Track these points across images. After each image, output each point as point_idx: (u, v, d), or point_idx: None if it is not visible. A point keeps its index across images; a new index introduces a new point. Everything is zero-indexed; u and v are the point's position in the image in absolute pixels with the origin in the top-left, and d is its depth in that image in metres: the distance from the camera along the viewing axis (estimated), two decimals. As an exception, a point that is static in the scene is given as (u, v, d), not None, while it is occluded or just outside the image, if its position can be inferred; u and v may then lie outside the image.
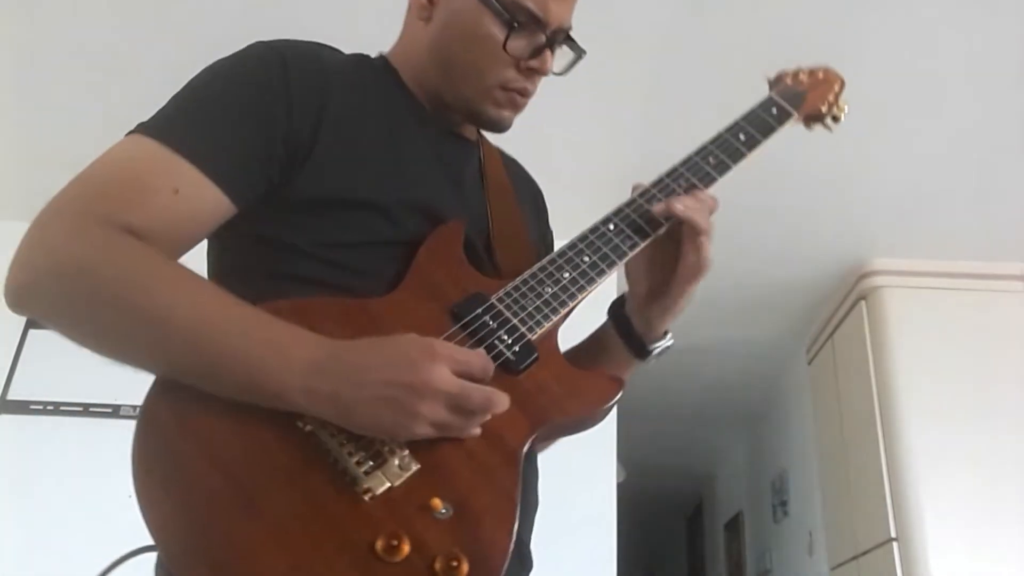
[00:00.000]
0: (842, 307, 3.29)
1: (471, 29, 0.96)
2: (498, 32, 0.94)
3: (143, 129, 0.85)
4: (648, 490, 5.85)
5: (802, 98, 1.14)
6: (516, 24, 0.94)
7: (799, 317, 3.58)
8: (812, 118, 1.15)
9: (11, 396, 2.76)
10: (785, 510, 4.21)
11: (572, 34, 1.01)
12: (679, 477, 6.01)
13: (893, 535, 2.73)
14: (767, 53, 2.21)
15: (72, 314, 0.78)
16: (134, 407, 2.55)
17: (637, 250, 0.94)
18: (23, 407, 2.75)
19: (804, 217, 2.84)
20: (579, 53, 1.02)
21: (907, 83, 2.28)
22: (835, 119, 1.15)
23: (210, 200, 0.83)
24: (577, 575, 2.59)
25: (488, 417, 0.77)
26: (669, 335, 1.04)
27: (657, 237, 0.95)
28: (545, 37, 0.96)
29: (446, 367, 0.74)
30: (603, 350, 1.04)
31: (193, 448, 0.74)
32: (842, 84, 1.19)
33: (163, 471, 0.73)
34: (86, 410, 2.72)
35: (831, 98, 1.16)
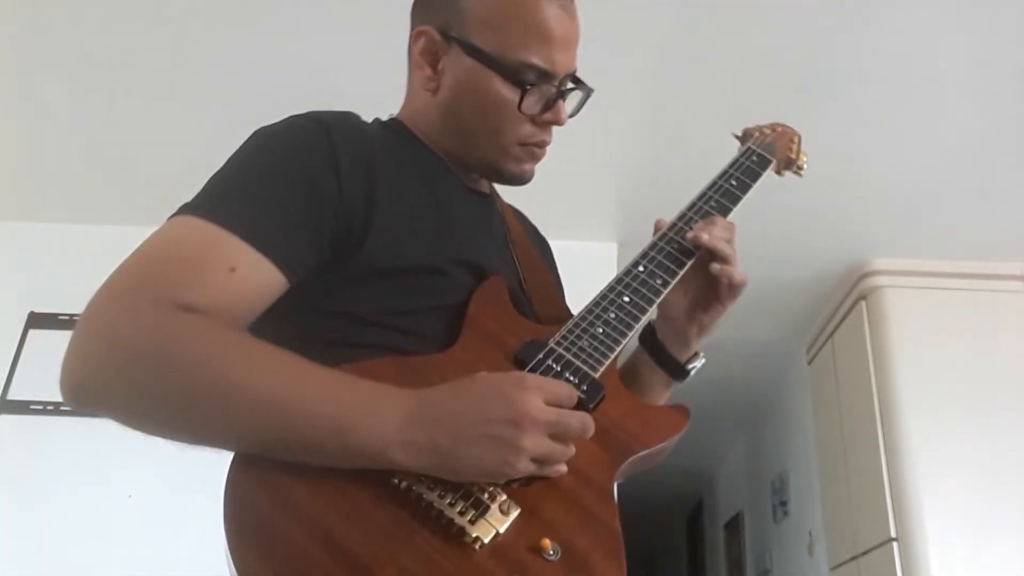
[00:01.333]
0: (842, 307, 3.29)
1: (483, 95, 0.96)
2: (510, 94, 0.95)
3: (189, 209, 0.82)
4: (648, 490, 5.84)
5: (772, 147, 1.23)
6: (529, 86, 0.95)
7: (799, 317, 3.58)
8: (784, 164, 1.24)
9: (11, 396, 2.76)
10: (785, 510, 4.21)
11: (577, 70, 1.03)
12: (679, 477, 6.00)
13: (893, 535, 2.73)
14: (768, 55, 2.22)
15: (143, 403, 0.73)
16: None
17: (671, 286, 0.99)
18: (23, 407, 2.74)
19: (804, 217, 2.84)
20: (587, 92, 1.03)
21: (907, 83, 2.28)
22: (799, 168, 1.26)
23: (265, 277, 0.81)
24: (577, 575, 2.59)
25: (586, 437, 0.77)
26: (701, 354, 1.08)
27: (686, 272, 1.01)
28: (555, 89, 0.97)
29: (540, 397, 0.74)
30: (639, 379, 1.07)
31: (288, 516, 0.71)
32: (799, 138, 1.29)
33: (265, 549, 0.69)
34: (86, 410, 2.72)
35: (794, 147, 1.26)
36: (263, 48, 2.22)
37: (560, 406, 0.76)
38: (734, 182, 1.13)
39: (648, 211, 2.85)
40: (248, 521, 0.71)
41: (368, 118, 1.02)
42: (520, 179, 1.03)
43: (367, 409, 0.73)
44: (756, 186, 1.14)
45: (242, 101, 2.34)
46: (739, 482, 5.27)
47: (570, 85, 1.01)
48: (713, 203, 1.09)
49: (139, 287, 0.76)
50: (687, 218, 1.07)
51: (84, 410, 0.73)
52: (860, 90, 2.31)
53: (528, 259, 1.09)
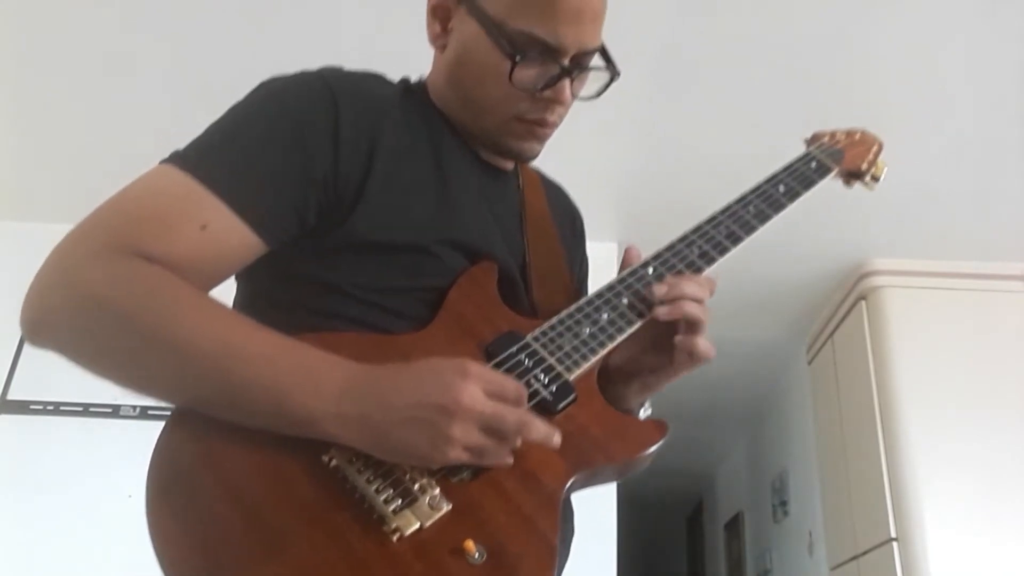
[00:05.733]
0: (842, 307, 3.29)
1: (480, 61, 0.91)
2: (503, 64, 0.89)
3: (177, 159, 0.82)
4: (648, 490, 5.84)
5: (841, 155, 1.14)
6: (519, 57, 0.88)
7: (799, 317, 3.58)
8: (852, 175, 1.15)
9: (11, 396, 2.76)
10: (785, 510, 4.21)
11: (601, 51, 0.95)
12: (679, 477, 6.00)
13: (893, 535, 2.73)
14: (768, 56, 2.22)
15: (92, 345, 0.74)
16: (134, 407, 2.56)
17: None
18: (23, 407, 2.74)
19: (804, 217, 2.82)
20: (612, 73, 0.95)
21: (908, 84, 2.28)
22: (875, 178, 1.16)
23: (238, 238, 0.80)
24: (577, 575, 2.59)
25: (526, 438, 0.73)
26: (647, 407, 1.00)
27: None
28: (560, 66, 0.90)
29: (479, 387, 0.71)
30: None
31: (213, 483, 0.70)
32: (880, 146, 1.19)
33: (180, 506, 0.69)
34: (86, 410, 2.72)
35: (870, 158, 1.17)
36: (265, 49, 2.22)
37: (503, 400, 0.72)
38: (782, 188, 1.05)
39: (648, 211, 2.89)
40: (170, 477, 0.71)
41: None
42: (521, 156, 0.98)
43: (305, 376, 0.72)
44: (808, 195, 1.06)
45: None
46: (739, 482, 5.27)
47: (592, 63, 0.93)
48: (752, 208, 1.01)
49: (107, 232, 0.76)
50: (717, 222, 0.99)
51: (38, 345, 0.75)
52: (860, 90, 2.31)
53: (541, 241, 1.02)
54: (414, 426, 0.70)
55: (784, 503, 4.22)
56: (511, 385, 0.74)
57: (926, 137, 2.47)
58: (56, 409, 2.74)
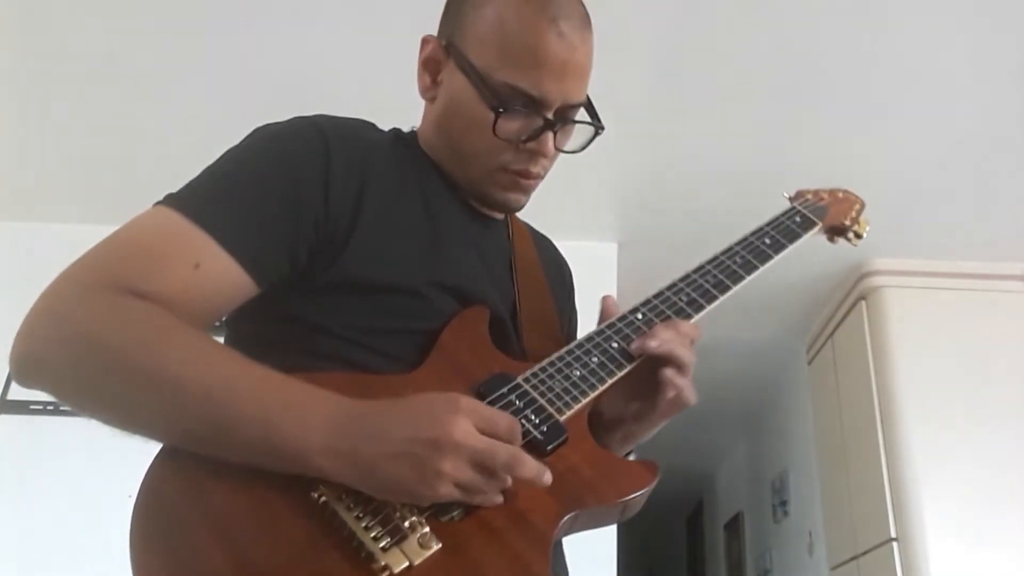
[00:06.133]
0: (842, 307, 3.29)
1: (467, 113, 0.92)
2: (487, 116, 0.90)
3: (171, 200, 0.82)
4: (648, 490, 5.84)
5: (825, 211, 1.16)
6: (503, 109, 0.89)
7: (799, 317, 3.58)
8: (835, 231, 1.18)
9: (11, 396, 2.76)
10: (785, 510, 4.21)
11: (587, 106, 0.97)
12: (679, 477, 6.00)
13: (893, 535, 2.73)
14: (768, 56, 2.22)
15: (79, 385, 0.74)
16: (134, 407, 2.56)
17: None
18: (23, 407, 2.74)
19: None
20: (596, 128, 0.96)
21: (908, 83, 2.28)
22: (857, 236, 1.19)
23: (231, 278, 0.80)
24: (577, 575, 2.59)
25: (516, 475, 0.73)
26: (631, 456, 0.99)
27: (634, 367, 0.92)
28: (543, 118, 0.91)
29: (471, 422, 0.70)
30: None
31: (198, 518, 0.70)
32: (862, 205, 1.22)
33: (163, 541, 0.69)
34: (86, 410, 2.72)
35: (853, 215, 1.19)
36: (263, 51, 2.22)
37: (496, 437, 0.71)
38: (767, 240, 1.07)
39: (648, 211, 2.89)
40: (156, 515, 0.70)
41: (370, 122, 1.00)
42: (506, 207, 0.99)
43: (295, 410, 0.71)
44: (792, 247, 1.08)
45: (241, 103, 2.34)
46: (739, 482, 5.27)
47: (577, 117, 0.95)
48: (739, 259, 1.03)
49: (100, 270, 0.76)
50: (704, 271, 1.00)
51: (27, 384, 0.74)
52: (860, 90, 2.31)
53: (531, 288, 1.03)
54: (404, 460, 0.69)
55: (784, 503, 4.22)
56: (504, 420, 0.73)
57: (926, 137, 2.47)
58: (56, 409, 2.73)
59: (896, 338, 2.94)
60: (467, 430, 0.70)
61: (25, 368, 0.74)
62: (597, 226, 2.96)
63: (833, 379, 3.39)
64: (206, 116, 2.41)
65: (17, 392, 2.77)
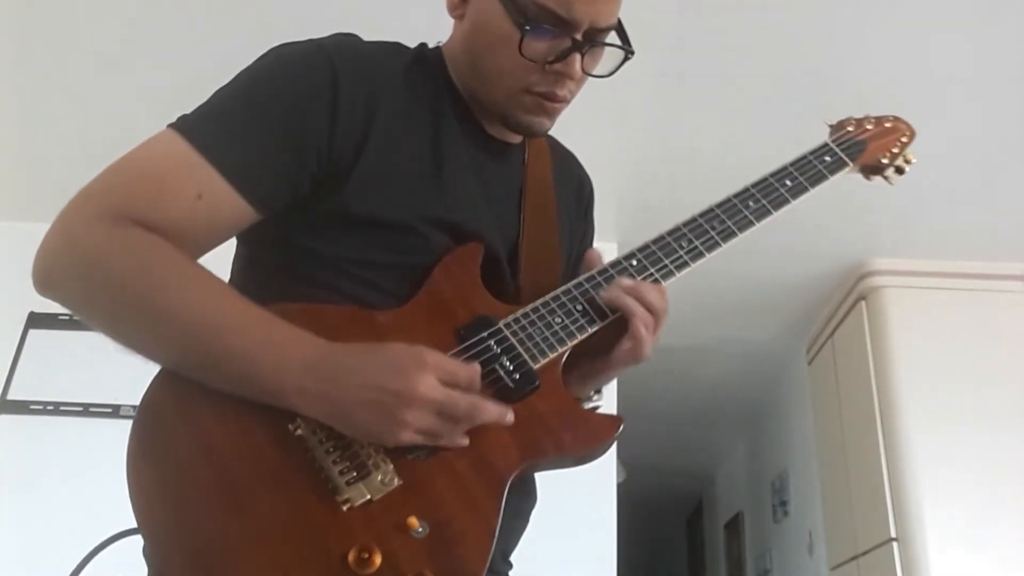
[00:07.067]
0: (842, 307, 3.29)
1: (493, 30, 0.91)
2: (514, 34, 0.88)
3: (181, 125, 0.85)
4: (648, 490, 5.85)
5: (862, 146, 1.09)
6: (528, 27, 0.87)
7: (799, 317, 3.58)
8: (871, 169, 1.09)
9: (11, 396, 2.76)
10: (785, 510, 4.21)
11: (617, 30, 0.94)
12: (679, 477, 6.00)
13: (893, 535, 2.73)
14: (768, 56, 2.22)
15: (87, 302, 0.80)
16: (134, 407, 2.54)
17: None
18: (23, 407, 2.74)
19: (804, 217, 2.82)
20: (627, 52, 0.94)
21: (908, 83, 2.28)
22: (899, 171, 1.09)
23: (231, 207, 0.83)
24: (577, 575, 2.59)
25: (477, 422, 0.78)
26: (596, 398, 1.01)
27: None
28: (571, 39, 0.89)
29: (433, 376, 0.75)
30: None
31: (190, 438, 0.77)
32: (912, 135, 1.12)
33: (157, 456, 0.76)
34: (86, 410, 2.72)
35: (895, 148, 1.10)
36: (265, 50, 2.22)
37: (457, 387, 0.76)
38: (788, 182, 1.02)
39: (648, 211, 2.89)
40: (152, 430, 0.77)
41: None
42: (529, 130, 0.97)
43: (274, 349, 0.77)
44: (816, 191, 1.01)
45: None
46: (739, 482, 5.27)
47: (608, 40, 0.92)
48: (752, 203, 0.99)
49: (108, 196, 0.81)
50: (712, 215, 0.97)
51: (48, 297, 0.81)
52: (861, 90, 2.30)
53: (538, 220, 1.01)
54: (370, 407, 0.75)
55: (784, 503, 4.22)
56: (464, 372, 0.78)
57: (926, 137, 2.46)
58: (56, 409, 2.74)
59: (896, 338, 2.94)
60: (430, 383, 0.75)
61: (41, 284, 0.80)
62: (597, 226, 2.96)
63: (833, 379, 3.39)
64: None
65: (17, 392, 2.77)
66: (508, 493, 0.79)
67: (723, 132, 2.49)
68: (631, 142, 2.54)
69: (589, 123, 2.57)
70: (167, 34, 2.22)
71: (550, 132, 1.00)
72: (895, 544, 2.71)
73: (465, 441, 0.79)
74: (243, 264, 0.95)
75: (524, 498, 0.94)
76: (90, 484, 2.52)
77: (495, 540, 0.76)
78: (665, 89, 2.34)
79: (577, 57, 0.90)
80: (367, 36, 0.97)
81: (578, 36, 0.90)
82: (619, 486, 2.89)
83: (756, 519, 4.83)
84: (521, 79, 0.92)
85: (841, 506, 3.25)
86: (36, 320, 2.80)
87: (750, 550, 4.91)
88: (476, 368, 0.80)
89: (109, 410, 2.70)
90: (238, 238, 0.93)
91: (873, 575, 2.88)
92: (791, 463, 4.17)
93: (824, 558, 3.45)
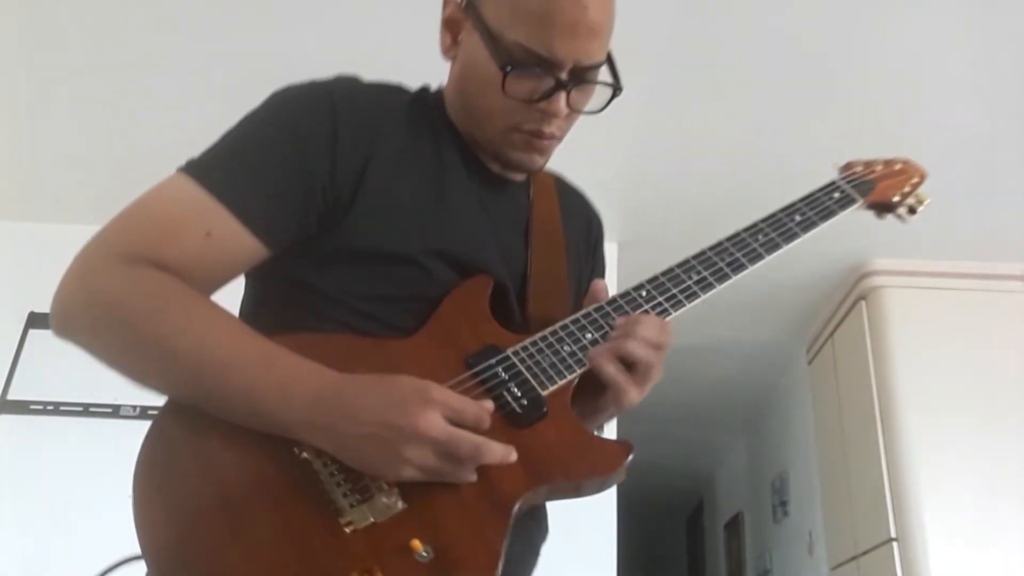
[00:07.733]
0: (842, 307, 3.29)
1: (480, 71, 0.92)
2: (497, 74, 0.90)
3: (189, 168, 0.88)
4: (648, 490, 5.84)
5: (871, 185, 1.10)
6: (510, 67, 0.89)
7: (799, 317, 3.58)
8: (882, 207, 1.10)
9: (11, 396, 2.76)
10: (785, 510, 4.21)
11: (609, 64, 0.95)
12: (679, 477, 6.00)
13: (893, 535, 2.73)
14: (769, 56, 2.22)
15: (100, 343, 0.82)
16: (134, 407, 2.56)
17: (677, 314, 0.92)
18: (23, 407, 2.75)
19: (804, 217, 2.84)
20: (614, 88, 0.95)
21: (908, 84, 2.28)
22: (911, 211, 1.09)
23: (240, 244, 0.86)
24: (577, 575, 2.59)
25: (480, 463, 0.76)
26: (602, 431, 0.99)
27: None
28: (555, 79, 0.90)
29: (438, 412, 0.75)
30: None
31: (195, 463, 0.78)
32: (923, 177, 1.12)
33: (163, 480, 0.76)
34: (86, 410, 2.72)
35: (907, 189, 1.11)
36: (268, 50, 2.22)
37: (463, 425, 0.75)
38: (798, 217, 1.02)
39: (649, 211, 2.88)
40: (160, 454, 0.78)
41: None
42: (522, 167, 0.99)
43: (278, 388, 0.77)
44: (825, 226, 1.01)
45: (244, 101, 2.34)
46: (739, 482, 5.27)
47: (596, 76, 0.93)
48: (761, 237, 0.99)
49: (121, 239, 0.84)
50: (722, 248, 0.97)
51: (64, 339, 0.83)
52: (860, 90, 2.31)
53: (545, 253, 1.02)
54: (373, 442, 0.75)
55: (784, 503, 4.22)
56: (471, 410, 0.77)
57: (926, 137, 2.47)
58: (56, 409, 2.74)
59: (896, 338, 2.94)
60: (432, 421, 0.74)
61: (57, 325, 0.83)
62: (597, 226, 2.96)
63: (833, 379, 3.39)
64: (211, 117, 2.41)
65: (17, 392, 2.77)
66: (516, 521, 0.78)
67: (723, 133, 2.49)
68: (632, 143, 2.54)
69: (589, 123, 2.57)
70: (167, 35, 2.22)
71: (558, 160, 1.01)
72: (895, 544, 2.71)
73: (473, 477, 0.77)
74: (252, 302, 0.96)
75: (535, 529, 0.94)
76: (90, 484, 2.53)
77: (500, 566, 0.75)
78: (666, 90, 2.34)
79: (562, 95, 0.91)
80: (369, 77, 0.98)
81: (562, 75, 0.91)
82: (619, 486, 2.88)
83: (756, 519, 4.83)
84: (509, 118, 0.94)
85: (841, 506, 3.25)
86: (36, 320, 2.80)
87: (750, 550, 4.91)
88: (485, 406, 0.79)
89: (109, 410, 2.69)
90: (246, 276, 0.94)
91: (873, 575, 2.88)
92: (791, 463, 4.17)
93: (824, 558, 3.45)
